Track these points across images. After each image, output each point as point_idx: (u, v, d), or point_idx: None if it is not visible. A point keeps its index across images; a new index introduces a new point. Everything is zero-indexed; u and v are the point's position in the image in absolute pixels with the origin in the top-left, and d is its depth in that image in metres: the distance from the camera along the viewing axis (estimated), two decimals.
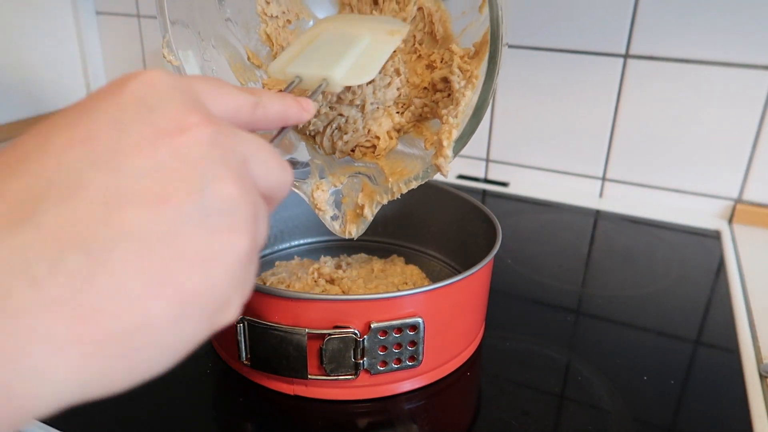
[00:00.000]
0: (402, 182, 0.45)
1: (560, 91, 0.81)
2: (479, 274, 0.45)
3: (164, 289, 0.17)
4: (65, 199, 0.16)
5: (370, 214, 0.47)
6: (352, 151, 0.47)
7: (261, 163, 0.22)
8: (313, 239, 0.65)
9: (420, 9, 0.46)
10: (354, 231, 0.48)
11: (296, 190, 0.47)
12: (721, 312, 0.56)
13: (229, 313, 0.20)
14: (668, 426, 0.42)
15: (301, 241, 0.64)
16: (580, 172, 0.84)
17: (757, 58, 0.70)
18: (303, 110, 0.29)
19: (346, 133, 0.46)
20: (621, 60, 0.76)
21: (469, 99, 0.41)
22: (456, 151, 0.42)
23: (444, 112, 0.43)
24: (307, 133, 0.47)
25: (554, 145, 0.84)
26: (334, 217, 0.48)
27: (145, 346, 0.17)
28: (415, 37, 0.46)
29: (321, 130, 0.46)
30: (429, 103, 0.46)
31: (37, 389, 0.15)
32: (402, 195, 0.45)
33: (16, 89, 1.02)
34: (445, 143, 0.41)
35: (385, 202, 0.46)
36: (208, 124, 0.19)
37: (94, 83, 1.14)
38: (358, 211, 0.48)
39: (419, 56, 0.47)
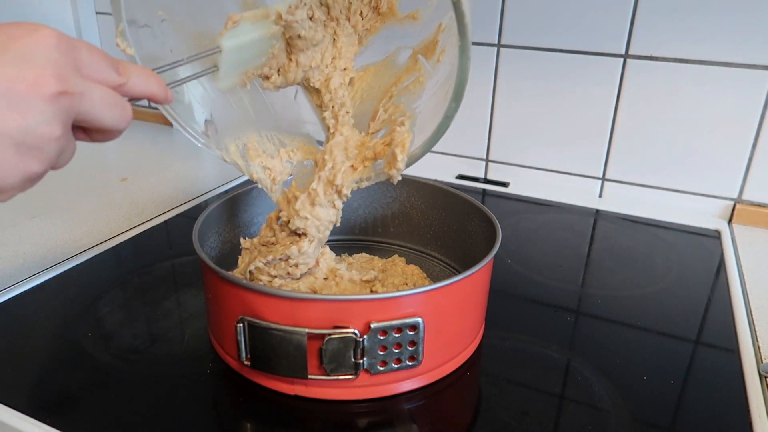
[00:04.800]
0: (353, 181, 0.44)
1: (560, 91, 0.81)
2: (479, 274, 0.45)
3: None
4: None
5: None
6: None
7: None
8: None
9: None
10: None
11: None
12: (721, 312, 0.56)
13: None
14: (668, 426, 0.42)
15: None
16: (579, 172, 0.84)
17: (757, 58, 0.70)
18: (166, 98, 0.34)
19: None
20: (621, 60, 0.76)
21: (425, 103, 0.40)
22: (409, 164, 0.41)
23: (400, 118, 0.42)
24: None
25: (554, 145, 0.84)
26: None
27: None
28: (361, 12, 0.46)
29: None
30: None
31: None
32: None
33: None
34: (399, 157, 0.40)
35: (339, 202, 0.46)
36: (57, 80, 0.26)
37: None
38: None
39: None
